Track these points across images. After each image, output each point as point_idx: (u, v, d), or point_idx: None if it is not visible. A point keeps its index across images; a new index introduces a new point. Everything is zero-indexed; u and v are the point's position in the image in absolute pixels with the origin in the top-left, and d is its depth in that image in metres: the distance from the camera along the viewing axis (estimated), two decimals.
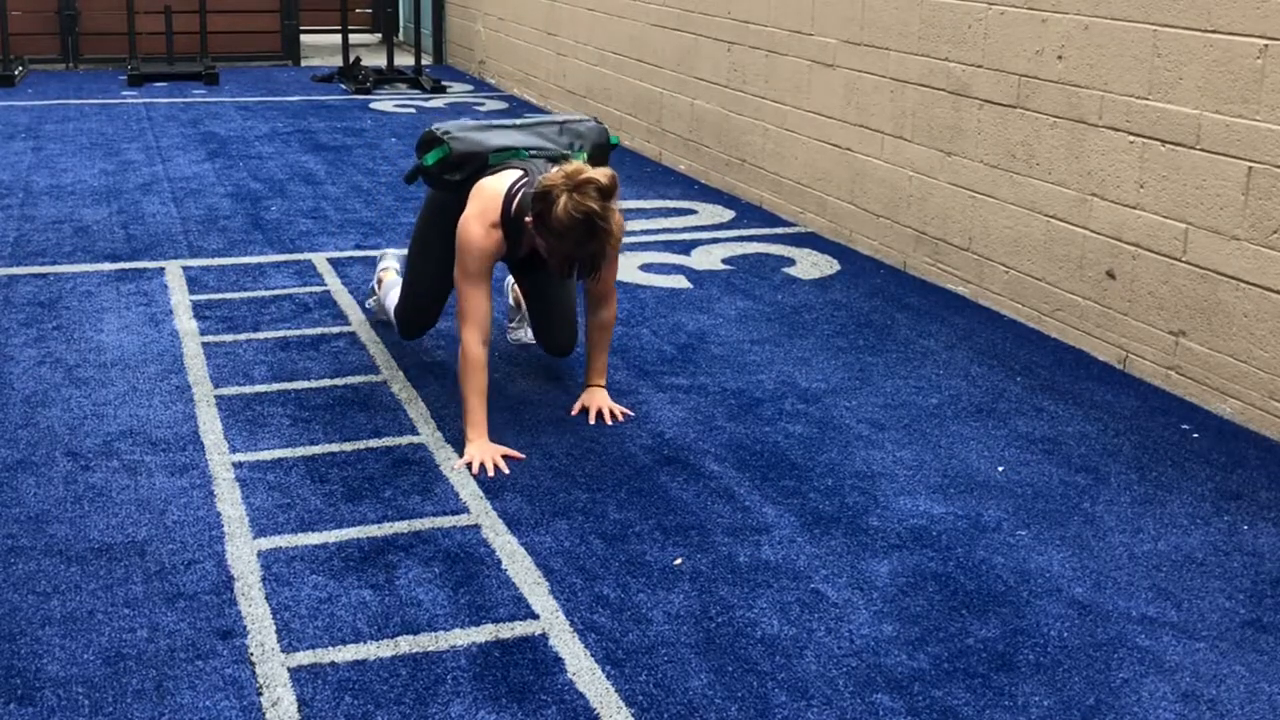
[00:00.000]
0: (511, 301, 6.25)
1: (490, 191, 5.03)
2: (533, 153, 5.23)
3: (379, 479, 4.77)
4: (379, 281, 6.36)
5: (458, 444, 5.06)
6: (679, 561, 4.25)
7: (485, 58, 15.00)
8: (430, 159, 5.25)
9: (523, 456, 4.96)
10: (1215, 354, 5.56)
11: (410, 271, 5.78)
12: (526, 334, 6.17)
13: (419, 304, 5.80)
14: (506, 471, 4.83)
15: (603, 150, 5.52)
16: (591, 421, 5.29)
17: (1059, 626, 3.93)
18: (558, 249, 4.74)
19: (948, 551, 4.36)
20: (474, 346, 4.97)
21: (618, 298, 6.10)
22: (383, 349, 6.02)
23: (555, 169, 4.79)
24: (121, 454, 4.91)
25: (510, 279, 6.33)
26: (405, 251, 6.15)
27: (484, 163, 5.20)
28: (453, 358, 5.87)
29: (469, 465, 4.87)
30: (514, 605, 3.98)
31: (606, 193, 4.65)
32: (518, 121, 5.46)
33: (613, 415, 5.35)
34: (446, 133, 5.27)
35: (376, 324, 6.39)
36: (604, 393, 5.44)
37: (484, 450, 4.92)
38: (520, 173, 5.07)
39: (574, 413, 5.38)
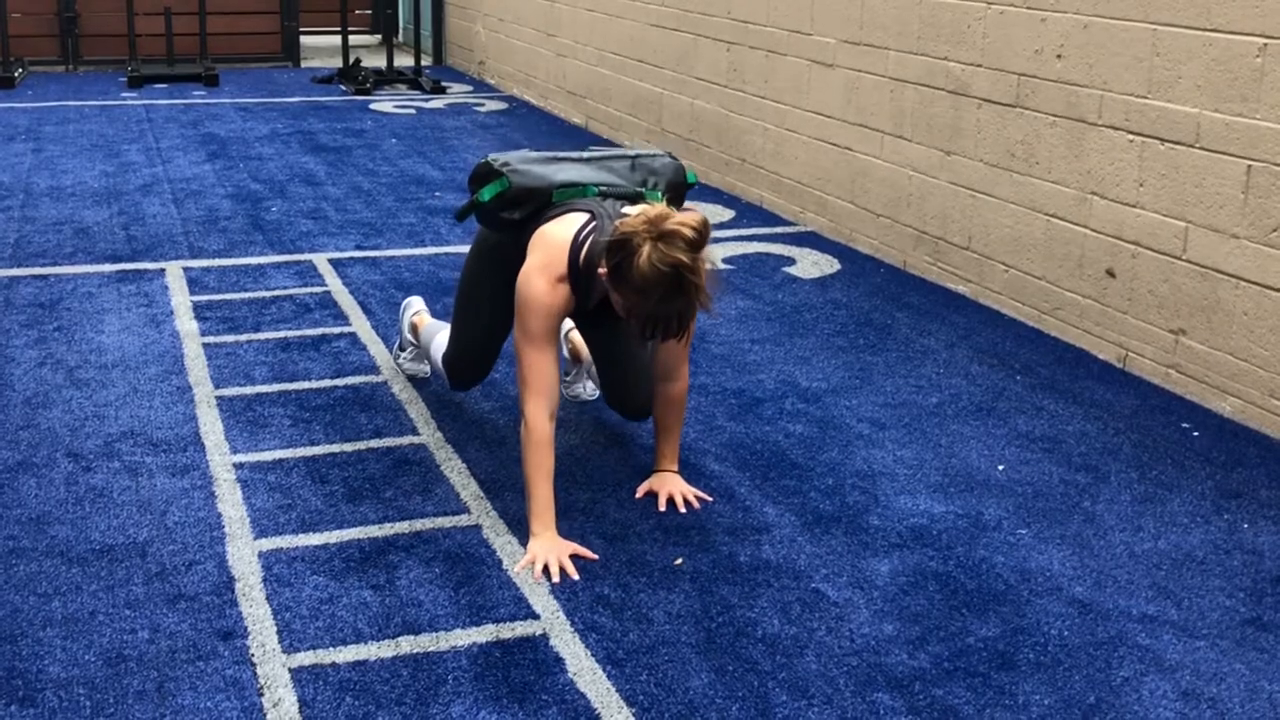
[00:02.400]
0: (567, 353, 5.55)
1: (555, 240, 4.36)
2: (602, 189, 4.59)
3: (380, 479, 4.77)
4: (412, 329, 5.69)
5: (458, 444, 5.06)
6: (679, 561, 4.25)
7: (485, 58, 15.00)
8: (487, 194, 4.58)
9: (595, 556, 4.28)
10: (1215, 352, 5.56)
11: (459, 317, 5.11)
12: (586, 389, 5.58)
13: (470, 354, 5.13)
14: (575, 576, 4.16)
15: (680, 190, 4.83)
16: (662, 508, 4.62)
17: (1059, 625, 3.93)
18: (638, 307, 4.06)
19: (948, 550, 4.37)
20: (539, 421, 4.29)
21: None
22: (383, 349, 6.02)
23: (632, 212, 4.21)
24: (122, 455, 4.91)
25: (567, 324, 5.61)
26: (414, 302, 5.76)
27: (547, 200, 4.55)
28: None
29: (532, 566, 4.21)
30: (515, 605, 3.98)
31: (697, 242, 3.96)
32: (584, 154, 4.81)
33: (687, 502, 4.67)
34: (505, 164, 4.63)
35: (413, 374, 5.79)
36: (677, 478, 4.74)
37: (551, 548, 4.25)
38: (587, 215, 4.40)
39: (640, 495, 4.71)
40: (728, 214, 8.78)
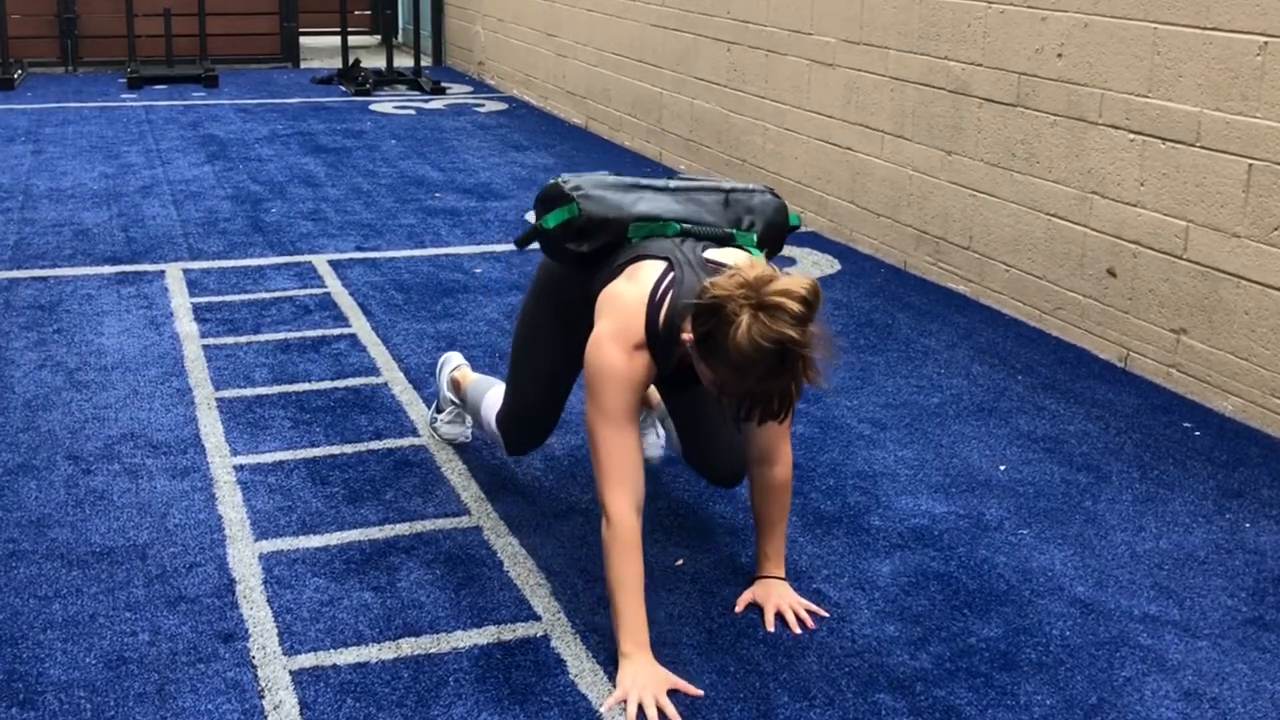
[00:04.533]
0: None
1: (628, 303, 3.67)
2: (686, 227, 3.90)
3: (380, 481, 4.77)
4: (453, 385, 5.05)
5: (459, 446, 5.05)
6: (680, 562, 4.24)
7: (485, 59, 15.00)
8: (552, 221, 3.92)
9: (699, 692, 3.59)
10: (1216, 351, 5.55)
11: (516, 368, 4.44)
12: (657, 442, 4.91)
13: (530, 412, 4.44)
14: (675, 719, 3.49)
15: (780, 233, 4.16)
16: (769, 626, 3.90)
17: (1061, 625, 3.93)
18: (732, 385, 3.43)
19: (949, 551, 4.36)
20: (624, 515, 3.61)
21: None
22: (383, 350, 6.01)
23: (722, 260, 3.66)
24: (122, 457, 4.91)
25: None
26: (453, 357, 5.15)
27: (621, 233, 3.88)
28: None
29: (624, 704, 3.53)
30: (516, 607, 3.97)
31: (805, 315, 3.31)
32: (671, 184, 4.05)
33: (799, 619, 3.92)
34: (577, 189, 3.93)
35: (469, 441, 5.14)
36: (785, 586, 4.01)
37: (646, 682, 3.56)
38: (664, 265, 3.71)
39: (740, 609, 3.97)
40: None
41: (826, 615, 3.93)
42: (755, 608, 3.98)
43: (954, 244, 7.10)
